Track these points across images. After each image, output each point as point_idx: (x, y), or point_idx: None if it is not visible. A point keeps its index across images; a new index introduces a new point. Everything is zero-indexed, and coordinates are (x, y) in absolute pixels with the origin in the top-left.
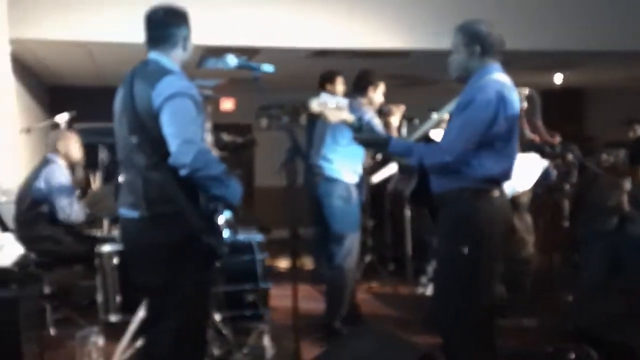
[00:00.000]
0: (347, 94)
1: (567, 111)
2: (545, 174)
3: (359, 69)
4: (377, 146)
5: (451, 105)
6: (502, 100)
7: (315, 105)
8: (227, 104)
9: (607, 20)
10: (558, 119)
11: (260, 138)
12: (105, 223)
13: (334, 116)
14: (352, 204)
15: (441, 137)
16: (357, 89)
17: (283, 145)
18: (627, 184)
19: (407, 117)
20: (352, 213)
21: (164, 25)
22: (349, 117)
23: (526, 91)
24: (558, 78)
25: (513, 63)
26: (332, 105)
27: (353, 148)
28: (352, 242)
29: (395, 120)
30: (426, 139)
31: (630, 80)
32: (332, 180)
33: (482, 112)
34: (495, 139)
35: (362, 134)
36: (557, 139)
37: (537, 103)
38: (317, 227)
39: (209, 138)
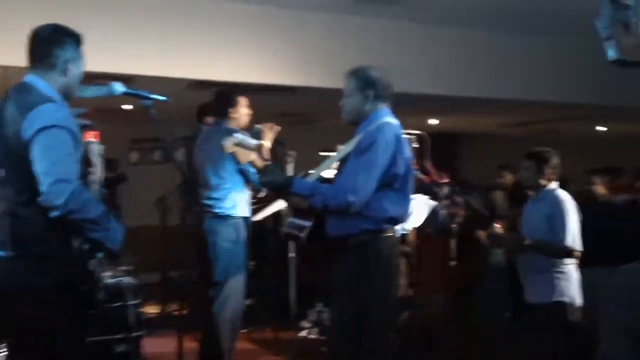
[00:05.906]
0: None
1: (441, 154)
2: (434, 214)
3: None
4: (280, 188)
5: (349, 147)
6: (399, 142)
7: (229, 144)
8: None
9: (482, 69)
10: (432, 162)
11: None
12: None
13: (244, 157)
14: (240, 243)
15: (337, 177)
16: (220, 114)
17: (153, 181)
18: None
19: (280, 141)
20: (238, 254)
21: (46, 43)
22: (258, 160)
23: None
24: (433, 122)
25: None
26: (246, 145)
27: (238, 180)
28: (235, 286)
29: (267, 143)
30: (322, 180)
31: (499, 126)
32: (221, 217)
33: (384, 153)
34: (394, 180)
35: (266, 176)
36: (445, 180)
37: (427, 144)
38: (197, 268)
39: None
